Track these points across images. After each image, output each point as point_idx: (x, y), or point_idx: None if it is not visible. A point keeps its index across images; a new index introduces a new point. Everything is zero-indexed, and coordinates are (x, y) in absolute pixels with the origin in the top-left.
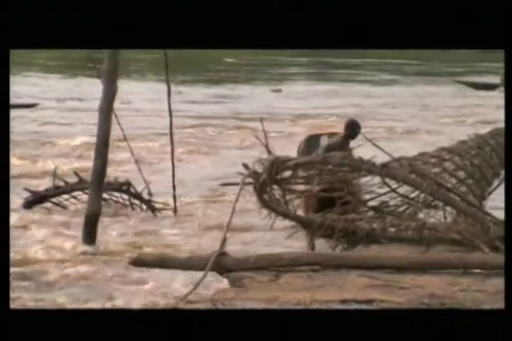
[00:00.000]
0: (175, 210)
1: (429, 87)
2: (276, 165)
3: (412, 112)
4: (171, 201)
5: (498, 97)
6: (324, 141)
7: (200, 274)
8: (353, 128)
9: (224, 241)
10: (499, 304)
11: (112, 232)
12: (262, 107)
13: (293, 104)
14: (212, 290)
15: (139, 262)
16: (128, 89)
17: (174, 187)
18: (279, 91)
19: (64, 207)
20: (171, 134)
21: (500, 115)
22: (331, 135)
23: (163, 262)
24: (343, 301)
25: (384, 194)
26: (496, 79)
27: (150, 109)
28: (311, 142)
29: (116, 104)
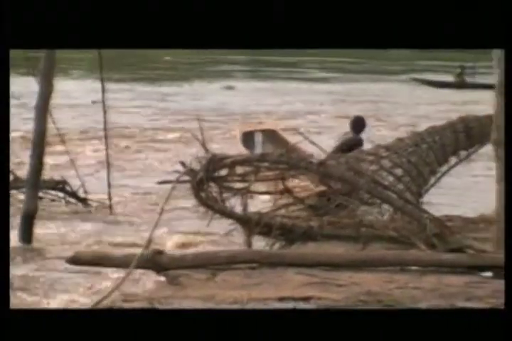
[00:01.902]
0: (110, 208)
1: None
2: (213, 162)
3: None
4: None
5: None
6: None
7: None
8: (359, 125)
9: (150, 240)
10: (436, 301)
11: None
12: (201, 105)
13: (229, 101)
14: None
15: (75, 260)
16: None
17: (109, 185)
18: (231, 88)
19: None
20: (105, 131)
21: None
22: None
23: (99, 260)
24: (280, 299)
25: (322, 191)
26: (442, 78)
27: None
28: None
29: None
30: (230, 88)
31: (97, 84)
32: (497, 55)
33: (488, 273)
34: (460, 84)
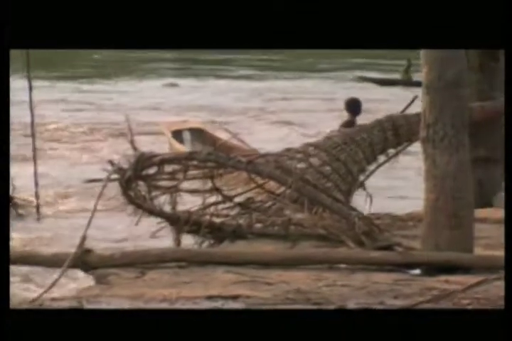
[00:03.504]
0: (37, 208)
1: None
2: (142, 161)
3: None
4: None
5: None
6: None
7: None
8: (355, 106)
9: (84, 238)
10: (364, 299)
11: None
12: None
13: (151, 98)
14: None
15: None
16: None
17: (37, 184)
18: (175, 85)
19: None
20: (33, 130)
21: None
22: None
23: (27, 259)
24: (209, 297)
25: (250, 190)
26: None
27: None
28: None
29: None
30: (173, 85)
31: (24, 83)
32: (425, 54)
33: (417, 271)
34: (406, 82)
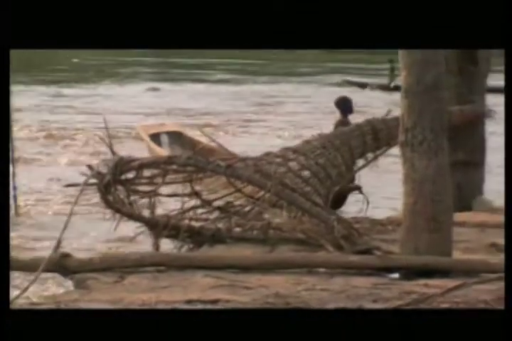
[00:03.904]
0: (16, 211)
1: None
2: (121, 165)
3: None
4: None
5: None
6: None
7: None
8: (345, 105)
9: (59, 242)
10: (343, 302)
11: None
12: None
13: (133, 102)
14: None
15: None
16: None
17: (15, 188)
18: (156, 89)
19: None
20: (11, 132)
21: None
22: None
23: None
24: (188, 301)
25: (230, 194)
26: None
27: None
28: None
29: None
30: (154, 90)
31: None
32: (404, 57)
33: (396, 275)
34: (394, 87)
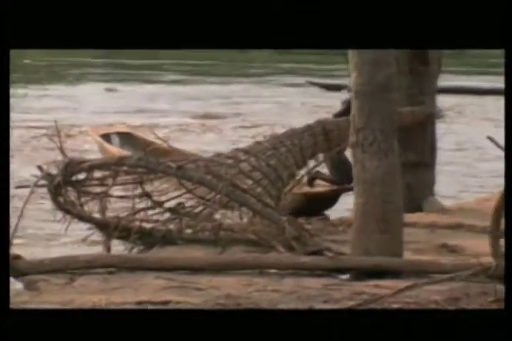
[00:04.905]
0: None
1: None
2: (71, 166)
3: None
4: None
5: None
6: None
7: None
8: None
9: (10, 244)
10: (294, 303)
11: None
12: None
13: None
14: None
15: None
16: None
17: None
18: (113, 90)
19: None
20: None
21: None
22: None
23: None
24: (139, 303)
25: (180, 195)
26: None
27: None
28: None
29: None
30: (110, 90)
31: None
32: (354, 58)
33: (346, 276)
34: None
